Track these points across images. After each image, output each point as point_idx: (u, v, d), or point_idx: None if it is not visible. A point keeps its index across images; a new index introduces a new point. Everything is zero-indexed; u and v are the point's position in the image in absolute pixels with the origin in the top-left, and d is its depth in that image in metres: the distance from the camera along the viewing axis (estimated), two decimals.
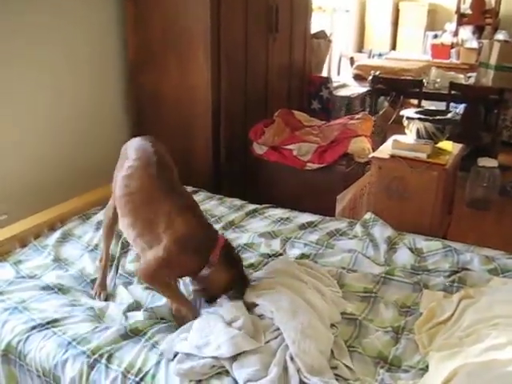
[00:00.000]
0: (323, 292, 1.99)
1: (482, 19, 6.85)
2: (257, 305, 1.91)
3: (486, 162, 4.24)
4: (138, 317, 1.93)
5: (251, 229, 2.66)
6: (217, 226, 2.64)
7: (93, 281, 2.22)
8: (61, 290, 2.13)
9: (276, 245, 2.47)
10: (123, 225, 2.01)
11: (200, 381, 1.63)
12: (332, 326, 1.87)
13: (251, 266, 2.29)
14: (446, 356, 1.69)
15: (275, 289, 1.95)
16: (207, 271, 1.90)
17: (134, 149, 2.11)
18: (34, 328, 1.87)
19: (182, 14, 3.19)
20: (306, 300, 1.89)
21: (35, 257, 2.39)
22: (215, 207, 2.87)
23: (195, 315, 1.90)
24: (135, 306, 2.03)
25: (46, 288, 2.12)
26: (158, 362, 1.71)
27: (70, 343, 1.80)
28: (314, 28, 4.72)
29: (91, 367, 1.72)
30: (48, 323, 1.88)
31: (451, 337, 1.80)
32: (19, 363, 1.85)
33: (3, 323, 1.91)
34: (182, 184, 2.08)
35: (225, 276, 1.93)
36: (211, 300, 1.97)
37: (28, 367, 1.84)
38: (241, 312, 1.84)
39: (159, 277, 1.90)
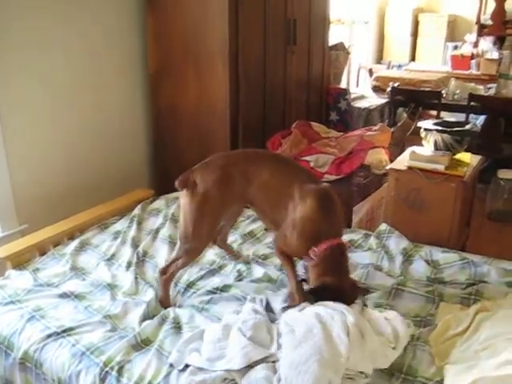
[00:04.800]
0: (365, 338, 1.76)
1: (502, 30, 6.76)
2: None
3: (506, 174, 4.19)
4: (150, 325, 1.95)
5: (268, 241, 2.66)
6: (235, 236, 2.66)
7: (110, 285, 2.26)
8: (77, 296, 2.16)
9: None
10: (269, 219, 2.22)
11: None
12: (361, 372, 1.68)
13: (270, 279, 2.31)
14: (462, 369, 1.67)
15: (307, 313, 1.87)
16: (306, 262, 2.06)
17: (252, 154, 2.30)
18: (49, 336, 1.90)
19: (200, 27, 3.22)
20: (326, 334, 1.72)
21: (53, 265, 2.43)
22: None
23: (300, 299, 2.01)
24: (151, 315, 2.04)
25: (63, 296, 2.15)
26: (168, 374, 1.71)
27: (83, 353, 1.82)
28: (333, 40, 4.73)
29: (103, 380, 1.74)
30: (63, 331, 1.91)
31: (467, 350, 1.78)
32: (36, 372, 1.88)
33: (20, 331, 1.95)
34: None
35: (317, 278, 1.98)
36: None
37: (44, 376, 1.86)
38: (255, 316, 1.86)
39: (283, 251, 2.12)
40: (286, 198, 2.07)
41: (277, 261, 2.41)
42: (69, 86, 3.06)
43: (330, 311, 1.82)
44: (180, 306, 2.14)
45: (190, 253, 2.20)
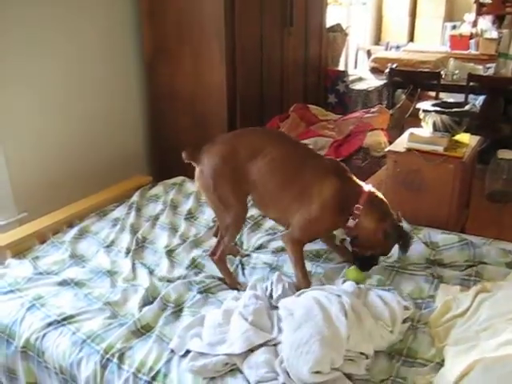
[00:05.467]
0: (363, 319, 1.76)
1: (501, 8, 6.70)
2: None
3: (505, 154, 4.17)
4: (150, 311, 1.95)
5: (267, 225, 2.64)
6: None
7: (110, 272, 2.25)
8: (77, 284, 2.16)
9: None
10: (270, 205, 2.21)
11: (213, 378, 1.64)
12: (362, 353, 1.68)
13: (267, 264, 2.30)
14: (462, 350, 1.67)
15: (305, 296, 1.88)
16: (353, 223, 2.07)
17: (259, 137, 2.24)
18: (50, 325, 1.90)
19: (196, 8, 3.19)
20: (325, 316, 1.72)
21: (53, 253, 2.43)
22: None
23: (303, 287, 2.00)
24: (150, 299, 2.04)
25: (63, 283, 2.15)
26: (170, 360, 1.72)
27: (84, 341, 1.82)
28: (330, 21, 4.69)
29: (104, 367, 1.74)
30: (64, 319, 1.91)
31: (467, 331, 1.78)
32: (37, 360, 1.89)
33: (21, 320, 1.95)
34: None
35: (371, 227, 2.06)
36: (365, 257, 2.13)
37: (46, 364, 1.87)
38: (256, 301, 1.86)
39: (299, 242, 2.12)
40: (298, 179, 2.10)
41: (273, 247, 2.42)
42: (64, 73, 3.04)
43: (326, 294, 1.83)
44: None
45: (232, 226, 2.19)
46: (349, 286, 1.97)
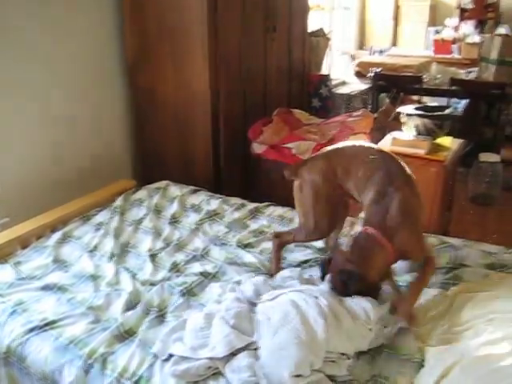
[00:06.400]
0: (341, 320, 1.76)
1: (483, 13, 6.80)
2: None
3: (488, 157, 4.23)
4: (134, 315, 1.94)
5: (254, 228, 2.65)
6: (221, 226, 2.65)
7: (93, 276, 2.25)
8: (60, 289, 2.14)
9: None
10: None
11: (196, 382, 1.64)
12: (343, 354, 1.69)
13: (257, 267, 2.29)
14: (443, 351, 1.69)
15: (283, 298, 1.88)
16: None
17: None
18: (32, 330, 1.88)
19: (179, 16, 3.19)
20: (302, 319, 1.72)
21: (35, 258, 2.41)
22: (217, 205, 2.86)
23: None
24: (134, 304, 2.03)
25: (46, 288, 2.14)
26: (152, 364, 1.71)
27: (66, 346, 1.81)
28: (313, 26, 4.72)
29: (87, 372, 1.73)
30: (46, 325, 1.90)
31: (448, 331, 1.80)
32: (19, 366, 1.87)
33: (3, 325, 1.93)
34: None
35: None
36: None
37: (28, 370, 1.85)
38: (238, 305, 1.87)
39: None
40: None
41: (262, 247, 2.43)
42: (47, 79, 3.03)
43: (304, 296, 1.84)
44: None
45: (310, 237, 2.23)
46: (326, 285, 1.98)
